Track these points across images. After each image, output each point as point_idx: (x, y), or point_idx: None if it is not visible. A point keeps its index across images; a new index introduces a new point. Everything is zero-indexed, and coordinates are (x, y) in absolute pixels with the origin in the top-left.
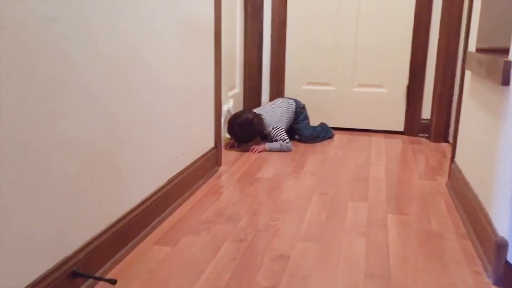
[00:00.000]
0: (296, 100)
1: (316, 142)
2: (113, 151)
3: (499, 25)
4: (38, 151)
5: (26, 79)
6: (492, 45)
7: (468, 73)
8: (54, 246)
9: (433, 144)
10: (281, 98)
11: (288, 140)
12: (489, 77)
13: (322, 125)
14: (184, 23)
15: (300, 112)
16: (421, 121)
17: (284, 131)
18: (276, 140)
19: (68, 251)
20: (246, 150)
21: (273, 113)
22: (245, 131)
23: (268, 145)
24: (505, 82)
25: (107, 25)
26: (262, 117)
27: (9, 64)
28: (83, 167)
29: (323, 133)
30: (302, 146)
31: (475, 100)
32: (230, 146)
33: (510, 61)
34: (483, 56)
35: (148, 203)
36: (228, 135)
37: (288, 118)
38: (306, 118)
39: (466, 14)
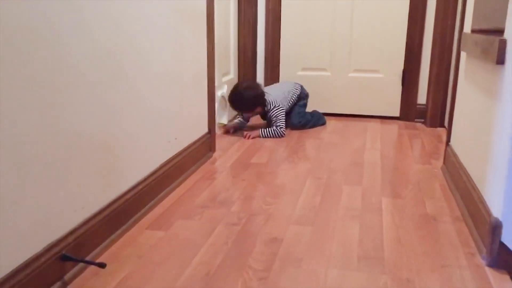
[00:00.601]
0: (302, 87)
1: (305, 129)
2: (104, 135)
3: (494, 5)
4: (25, 135)
5: (18, 68)
6: (487, 26)
7: (463, 54)
8: (43, 229)
9: (429, 129)
10: (287, 81)
11: (282, 126)
12: (484, 57)
13: (313, 113)
14: (176, 10)
15: (302, 98)
16: (417, 106)
17: (283, 113)
18: (272, 121)
19: (57, 234)
20: (241, 136)
21: (278, 93)
22: (249, 94)
23: (261, 131)
24: (500, 61)
25: (99, 12)
26: (266, 93)
27: (1, 54)
28: (74, 151)
29: (313, 121)
30: (297, 132)
31: (470, 81)
32: (225, 131)
33: (505, 40)
34: (479, 36)
35: (140, 187)
36: (222, 121)
37: (291, 101)
38: (304, 106)
39: None
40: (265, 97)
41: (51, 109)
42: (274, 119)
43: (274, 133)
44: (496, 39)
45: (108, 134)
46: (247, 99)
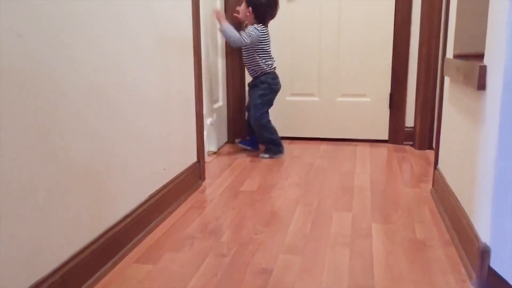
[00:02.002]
0: (275, 76)
1: (260, 141)
2: (92, 167)
3: (474, 30)
4: (7, 164)
5: (9, 96)
6: (469, 51)
7: (447, 79)
8: (28, 266)
9: (418, 152)
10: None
11: (242, 39)
12: (466, 83)
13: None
14: (162, 37)
15: (268, 85)
16: (405, 129)
17: (254, 34)
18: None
19: (42, 272)
20: (230, 162)
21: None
22: None
23: (225, 27)
24: (481, 87)
25: (86, 41)
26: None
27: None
28: (60, 183)
29: (269, 137)
30: (287, 157)
31: (454, 106)
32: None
33: (485, 66)
34: (460, 62)
35: (129, 219)
36: (212, 149)
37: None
38: (267, 102)
39: (443, 21)
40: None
41: (39, 140)
42: (246, 31)
43: (230, 35)
44: (476, 65)
45: (97, 165)
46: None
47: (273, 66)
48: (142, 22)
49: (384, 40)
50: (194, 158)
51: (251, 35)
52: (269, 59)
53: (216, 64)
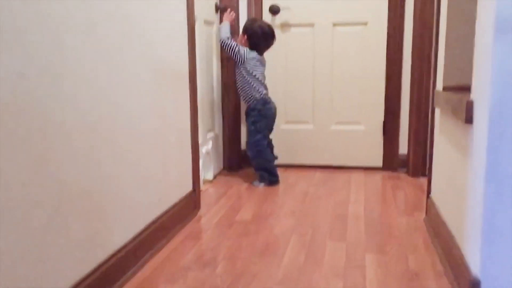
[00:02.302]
0: (267, 99)
1: (255, 168)
2: (88, 199)
3: (463, 63)
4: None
5: (9, 131)
6: (458, 83)
7: (437, 110)
8: None
9: (411, 179)
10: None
11: (228, 44)
12: (454, 115)
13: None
14: (158, 70)
15: (262, 107)
16: (399, 156)
17: (240, 49)
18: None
19: None
20: (226, 190)
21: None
22: (250, 22)
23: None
24: (469, 121)
25: (82, 76)
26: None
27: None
28: (56, 216)
29: (267, 171)
30: (282, 185)
31: (445, 136)
32: None
33: (472, 101)
34: (449, 95)
35: (124, 251)
36: (208, 177)
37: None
38: (257, 121)
39: (433, 52)
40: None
41: (36, 171)
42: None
43: (223, 34)
44: (464, 99)
45: (92, 197)
46: (252, 23)
47: (264, 93)
48: (138, 55)
49: (377, 69)
50: (189, 187)
51: (240, 49)
52: (260, 87)
53: (211, 93)
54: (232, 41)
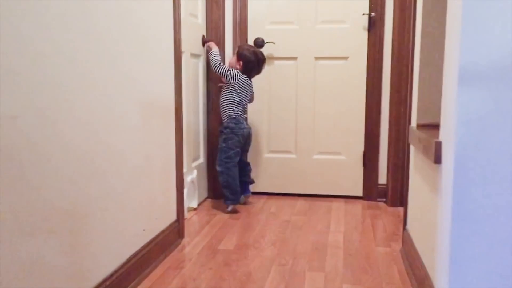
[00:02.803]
0: (242, 121)
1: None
2: (73, 231)
3: (435, 102)
4: None
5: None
6: (430, 121)
7: (412, 146)
8: None
9: (390, 209)
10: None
11: (217, 66)
12: (425, 154)
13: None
14: (145, 105)
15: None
16: (379, 186)
17: (227, 71)
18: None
19: None
20: (209, 218)
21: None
22: (244, 48)
23: (211, 53)
24: (437, 161)
25: (72, 115)
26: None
27: None
28: (43, 246)
29: (228, 188)
30: (264, 214)
31: (418, 172)
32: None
33: (440, 142)
34: (421, 134)
35: (107, 283)
36: (192, 205)
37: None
38: (229, 139)
39: (408, 89)
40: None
41: (25, 206)
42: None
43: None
44: (433, 140)
45: (77, 228)
46: (247, 50)
47: (239, 114)
48: (126, 93)
49: (357, 101)
50: (173, 217)
51: (232, 71)
52: (238, 108)
53: (197, 122)
54: (224, 66)
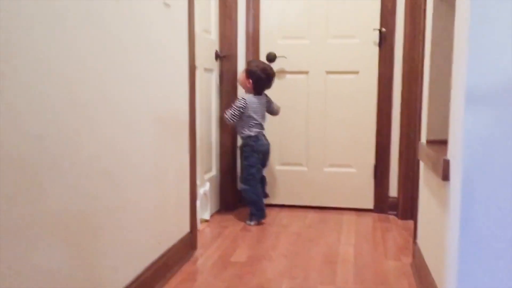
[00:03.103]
0: (259, 137)
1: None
2: (91, 242)
3: (443, 119)
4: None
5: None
6: (440, 137)
7: (421, 162)
8: None
9: (401, 222)
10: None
11: (228, 114)
12: (434, 171)
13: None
14: (159, 118)
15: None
16: (389, 199)
17: (238, 106)
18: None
19: None
20: (221, 231)
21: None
22: (253, 64)
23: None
24: (445, 178)
25: (89, 128)
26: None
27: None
28: (61, 257)
29: (254, 204)
30: (276, 226)
31: (427, 187)
32: None
33: (448, 160)
34: (429, 151)
35: None
36: (204, 217)
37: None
38: (249, 156)
39: (418, 105)
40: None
41: (36, 220)
42: (234, 105)
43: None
44: (441, 158)
45: (98, 240)
46: (256, 67)
47: (258, 131)
48: (142, 107)
49: (368, 115)
50: (187, 229)
51: (241, 108)
52: (254, 126)
53: (209, 135)
54: (232, 109)
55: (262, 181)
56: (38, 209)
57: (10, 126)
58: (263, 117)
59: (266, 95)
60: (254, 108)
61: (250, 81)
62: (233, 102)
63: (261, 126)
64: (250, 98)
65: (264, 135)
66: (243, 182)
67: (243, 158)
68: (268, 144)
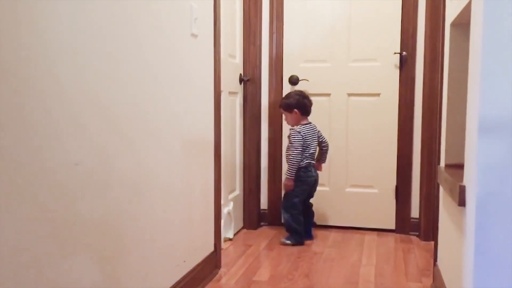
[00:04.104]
0: (312, 167)
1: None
2: (114, 260)
3: (462, 142)
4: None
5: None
6: (458, 161)
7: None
8: None
9: (423, 243)
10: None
11: (291, 155)
12: (451, 196)
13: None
14: (187, 140)
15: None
16: (411, 220)
17: (298, 141)
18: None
19: None
20: (244, 250)
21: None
22: (293, 95)
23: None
24: (461, 204)
25: (126, 150)
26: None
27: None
28: (97, 274)
29: (294, 232)
30: (297, 245)
31: (446, 210)
32: None
33: (464, 186)
34: (447, 176)
35: None
36: (228, 235)
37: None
38: (296, 186)
39: (437, 128)
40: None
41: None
42: (289, 145)
43: (288, 170)
44: (457, 184)
45: (129, 257)
46: (290, 96)
47: (307, 162)
48: (170, 127)
49: (389, 136)
50: (211, 248)
51: (298, 137)
52: (306, 158)
53: (234, 156)
54: (297, 156)
55: (309, 209)
56: (70, 222)
57: (56, 155)
58: (315, 148)
59: (315, 127)
60: (308, 139)
61: (295, 110)
62: (288, 137)
63: (312, 157)
64: (302, 128)
65: (314, 166)
66: (284, 210)
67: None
68: (316, 175)
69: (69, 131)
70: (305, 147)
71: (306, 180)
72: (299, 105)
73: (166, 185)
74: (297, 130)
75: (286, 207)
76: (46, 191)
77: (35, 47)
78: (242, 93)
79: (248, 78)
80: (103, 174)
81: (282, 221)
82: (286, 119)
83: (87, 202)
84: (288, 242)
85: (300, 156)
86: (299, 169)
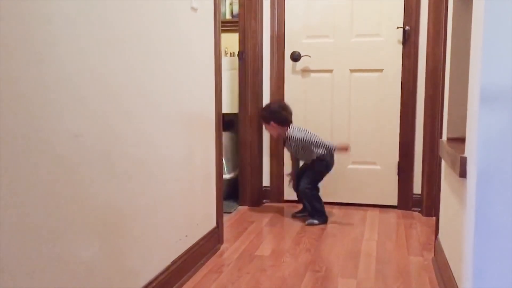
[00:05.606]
0: (331, 152)
1: (311, 209)
2: (119, 237)
3: (462, 116)
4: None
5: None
6: (460, 135)
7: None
8: None
9: (425, 218)
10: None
11: (328, 147)
12: (452, 168)
13: (319, 211)
14: (188, 113)
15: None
16: (413, 196)
17: (294, 137)
18: (300, 153)
19: None
20: (246, 226)
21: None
22: (270, 106)
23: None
24: (462, 175)
25: (130, 125)
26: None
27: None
28: (100, 247)
29: (316, 204)
30: (300, 221)
31: (447, 184)
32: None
33: (465, 157)
34: (449, 148)
35: (154, 284)
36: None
37: (314, 145)
38: (322, 171)
39: (440, 103)
40: (289, 130)
41: (66, 218)
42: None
43: (327, 148)
44: (458, 155)
45: (132, 231)
46: (265, 109)
47: (325, 152)
48: (170, 101)
49: (392, 112)
50: (213, 223)
51: (295, 143)
52: (320, 148)
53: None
54: (322, 143)
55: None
56: (69, 195)
57: (55, 126)
58: (318, 135)
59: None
60: (309, 133)
61: (272, 123)
62: (291, 146)
63: (326, 147)
64: (291, 131)
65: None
66: (308, 193)
67: (317, 171)
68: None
69: (68, 103)
70: (311, 142)
71: (330, 166)
72: (275, 117)
73: (169, 159)
74: (291, 135)
75: (309, 190)
76: (46, 162)
77: (33, 16)
78: (243, 69)
79: (249, 54)
80: (104, 146)
81: (302, 201)
82: (267, 130)
83: (87, 174)
84: (316, 222)
85: (318, 138)
86: (327, 154)
